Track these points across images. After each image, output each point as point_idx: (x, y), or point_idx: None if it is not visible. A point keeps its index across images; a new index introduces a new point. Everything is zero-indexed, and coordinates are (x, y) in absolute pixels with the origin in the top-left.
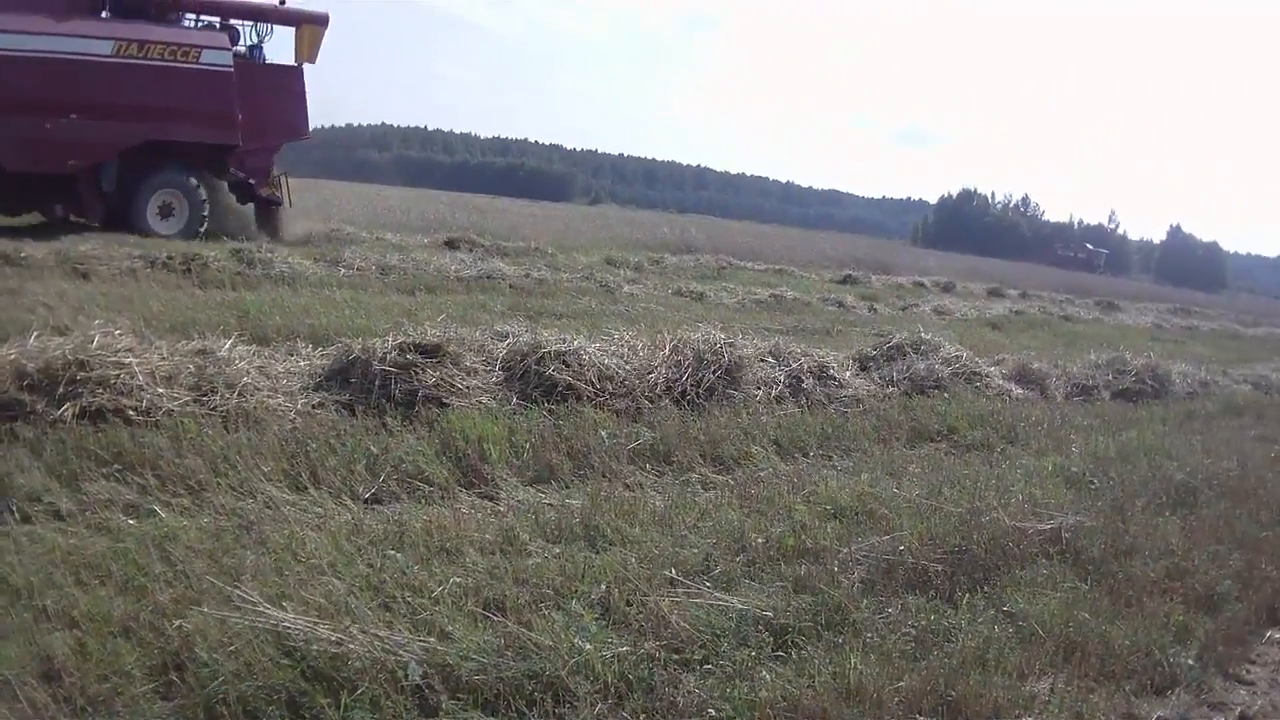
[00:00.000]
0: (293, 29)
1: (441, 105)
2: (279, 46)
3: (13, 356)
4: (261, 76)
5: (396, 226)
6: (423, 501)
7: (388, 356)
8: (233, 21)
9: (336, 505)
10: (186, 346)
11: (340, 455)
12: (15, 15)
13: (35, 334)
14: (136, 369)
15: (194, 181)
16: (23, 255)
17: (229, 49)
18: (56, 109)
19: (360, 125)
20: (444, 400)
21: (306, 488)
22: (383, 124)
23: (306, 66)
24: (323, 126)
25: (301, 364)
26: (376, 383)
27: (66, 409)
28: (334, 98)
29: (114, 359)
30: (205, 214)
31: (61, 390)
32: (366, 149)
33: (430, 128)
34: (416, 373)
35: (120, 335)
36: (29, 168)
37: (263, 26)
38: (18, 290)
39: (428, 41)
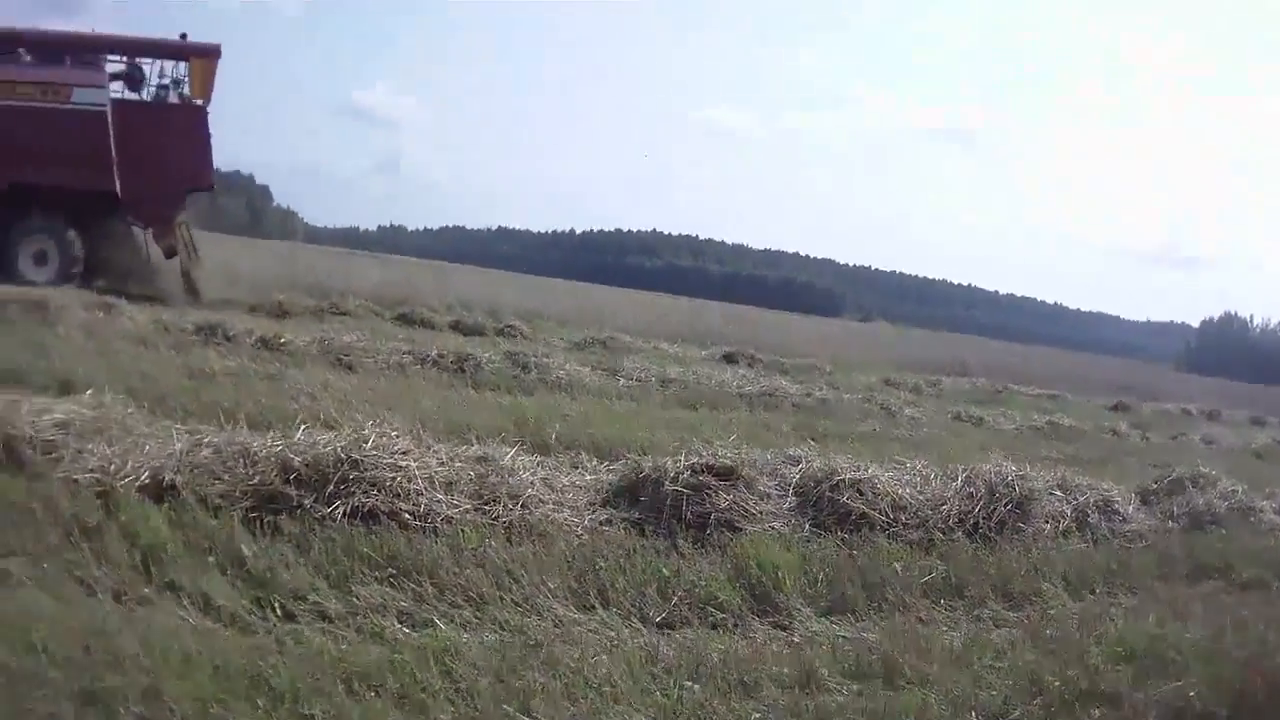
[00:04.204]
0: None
1: (711, 215)
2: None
3: (279, 449)
4: (156, 118)
5: (671, 336)
6: (714, 628)
7: (680, 477)
8: (139, 61)
9: (627, 628)
10: (466, 452)
11: (630, 576)
12: None
13: (303, 426)
14: (415, 473)
15: (65, 228)
16: (283, 341)
17: (103, 87)
18: None
19: (631, 230)
20: (736, 525)
21: (595, 608)
22: (654, 230)
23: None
24: (592, 230)
25: (587, 478)
26: (668, 503)
27: (337, 507)
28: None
29: (390, 460)
30: (78, 262)
31: (331, 488)
32: (637, 255)
33: (702, 237)
34: (709, 495)
35: (396, 436)
36: None
37: (169, 65)
38: (278, 377)
39: (701, 152)
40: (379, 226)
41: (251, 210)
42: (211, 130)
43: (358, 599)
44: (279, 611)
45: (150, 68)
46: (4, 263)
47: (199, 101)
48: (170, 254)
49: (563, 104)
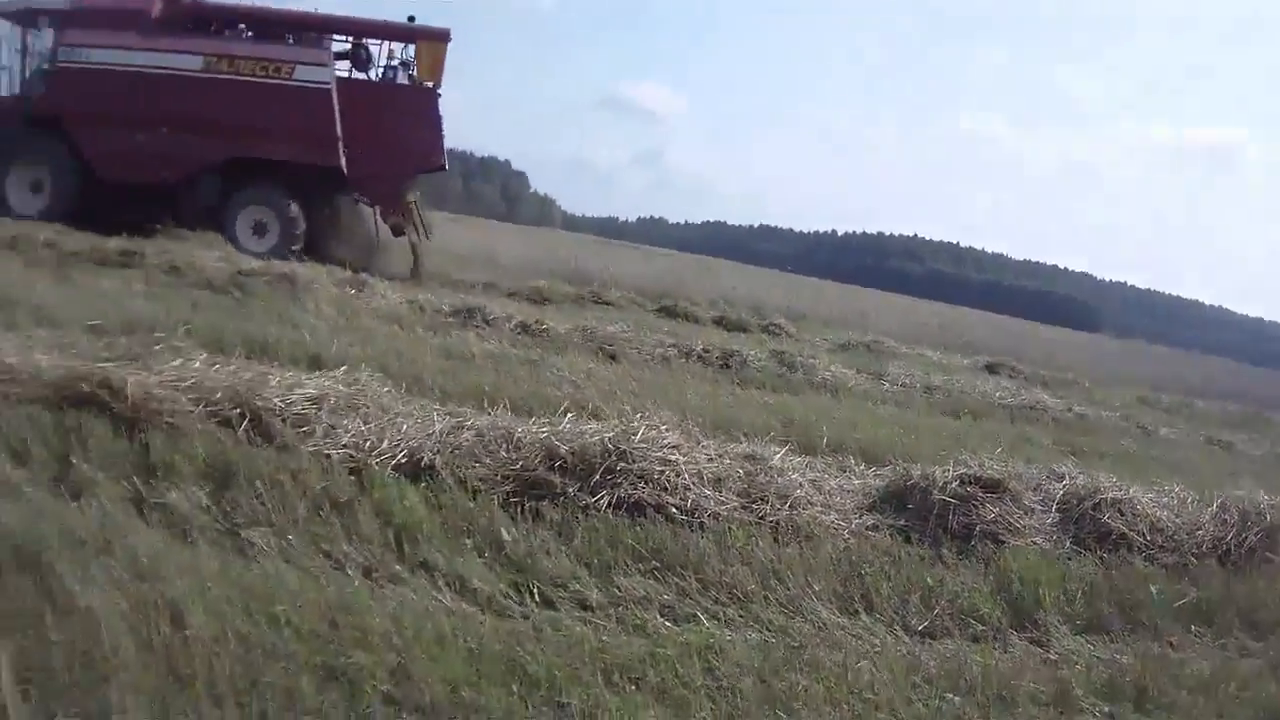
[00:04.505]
0: (412, 47)
1: (970, 224)
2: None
3: (544, 435)
4: (384, 98)
5: (933, 343)
6: (974, 640)
7: (948, 486)
8: (366, 41)
9: (890, 635)
10: (735, 449)
11: (894, 583)
12: (110, 31)
13: (569, 415)
14: (684, 467)
15: (287, 201)
16: (544, 327)
17: (327, 65)
18: (147, 122)
19: (892, 235)
20: (1000, 537)
21: (858, 613)
22: (915, 235)
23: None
24: (853, 232)
25: (855, 482)
26: (934, 512)
27: (601, 497)
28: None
29: (658, 454)
30: (298, 236)
31: (597, 478)
32: (899, 258)
33: (963, 244)
34: (975, 506)
35: (666, 429)
36: (123, 178)
37: (397, 47)
38: (539, 363)
39: (963, 160)
40: (638, 218)
41: (507, 196)
42: (443, 113)
43: (619, 590)
44: (538, 598)
45: (378, 49)
46: (223, 231)
47: (429, 84)
48: (398, 232)
49: (828, 105)
